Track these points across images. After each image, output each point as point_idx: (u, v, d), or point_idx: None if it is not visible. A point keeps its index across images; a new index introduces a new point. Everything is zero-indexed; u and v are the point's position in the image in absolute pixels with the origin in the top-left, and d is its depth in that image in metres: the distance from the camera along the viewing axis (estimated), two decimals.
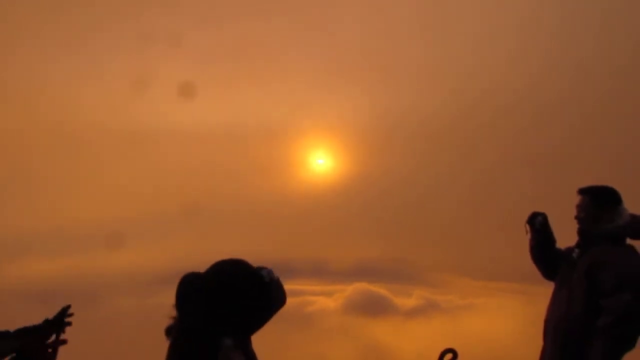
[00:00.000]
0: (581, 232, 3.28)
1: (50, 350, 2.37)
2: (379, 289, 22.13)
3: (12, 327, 2.41)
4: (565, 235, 3.45)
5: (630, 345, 2.98)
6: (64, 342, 2.41)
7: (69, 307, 2.43)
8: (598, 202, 3.23)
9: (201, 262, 2.06)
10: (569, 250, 3.35)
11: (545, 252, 3.48)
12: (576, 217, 3.30)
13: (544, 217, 3.45)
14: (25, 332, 2.33)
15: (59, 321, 2.41)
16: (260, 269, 1.98)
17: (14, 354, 2.30)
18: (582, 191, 3.31)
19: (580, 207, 3.30)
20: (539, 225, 3.43)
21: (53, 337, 2.38)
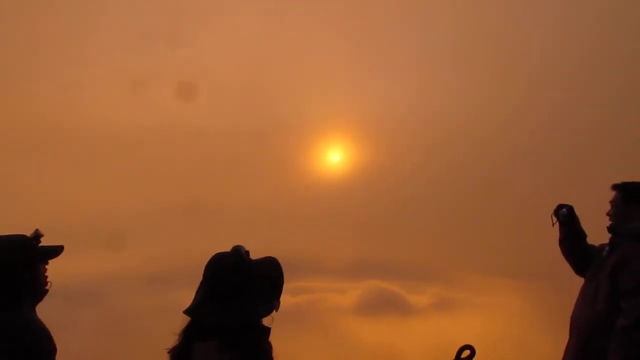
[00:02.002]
0: (610, 229, 3.20)
1: None
2: (392, 287, 22.07)
3: None
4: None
5: None
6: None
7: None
8: (628, 198, 3.15)
9: (207, 259, 2.04)
10: (602, 247, 3.27)
11: (574, 245, 3.41)
12: (608, 213, 3.22)
13: (568, 209, 3.38)
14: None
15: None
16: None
17: None
18: (615, 187, 3.24)
19: (611, 203, 3.21)
20: (562, 217, 3.36)
21: None
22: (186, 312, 1.90)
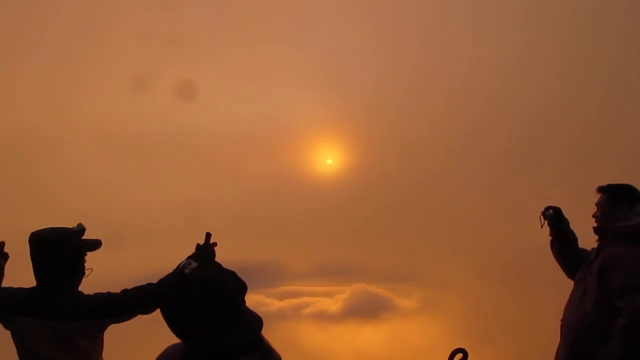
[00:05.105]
0: (597, 231, 3.25)
1: None
2: (379, 290, 22.11)
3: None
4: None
5: None
6: None
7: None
8: (614, 200, 3.21)
9: None
10: (593, 250, 3.30)
11: (563, 248, 3.46)
12: (594, 215, 3.27)
13: (555, 210, 3.43)
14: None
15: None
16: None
17: None
18: (601, 189, 3.29)
19: (597, 205, 3.28)
20: (549, 218, 3.42)
21: None
22: (182, 338, 1.78)
